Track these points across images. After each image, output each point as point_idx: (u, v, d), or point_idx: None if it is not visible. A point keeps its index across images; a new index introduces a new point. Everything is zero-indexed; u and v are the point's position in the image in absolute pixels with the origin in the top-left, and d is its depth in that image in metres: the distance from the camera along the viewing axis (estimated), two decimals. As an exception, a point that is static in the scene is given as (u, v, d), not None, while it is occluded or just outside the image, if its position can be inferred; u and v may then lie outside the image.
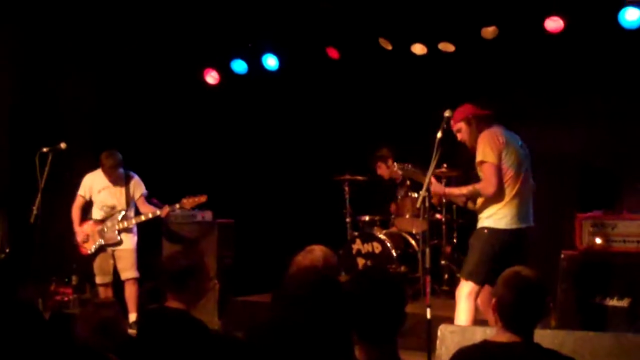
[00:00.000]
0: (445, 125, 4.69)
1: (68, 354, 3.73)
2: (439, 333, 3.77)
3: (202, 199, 6.85)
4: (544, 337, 3.23)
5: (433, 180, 5.32)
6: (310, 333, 2.47)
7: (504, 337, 2.96)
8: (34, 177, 6.28)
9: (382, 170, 7.79)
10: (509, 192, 4.88)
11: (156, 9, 7.99)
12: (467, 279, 4.93)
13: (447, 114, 4.73)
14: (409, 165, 5.54)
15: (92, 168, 7.22)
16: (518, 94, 7.38)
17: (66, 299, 7.74)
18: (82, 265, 7.75)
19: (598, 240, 5.44)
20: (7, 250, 7.40)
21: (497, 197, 4.88)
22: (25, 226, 6.54)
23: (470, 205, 5.26)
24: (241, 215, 7.95)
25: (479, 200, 5.04)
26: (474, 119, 4.97)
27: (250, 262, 7.85)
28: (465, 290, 4.90)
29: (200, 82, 8.80)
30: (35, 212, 6.13)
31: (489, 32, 7.13)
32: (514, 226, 4.88)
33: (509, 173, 4.88)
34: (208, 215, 7.60)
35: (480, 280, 4.90)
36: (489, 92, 7.25)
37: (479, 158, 4.89)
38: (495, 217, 4.90)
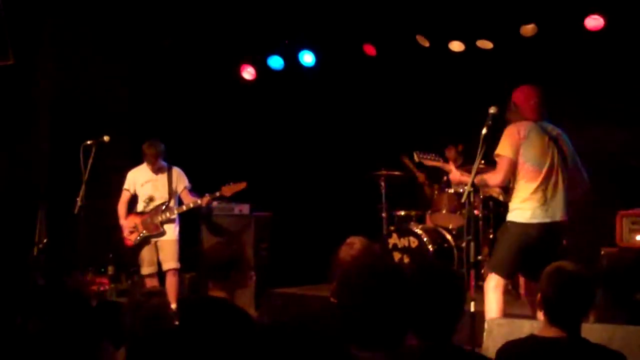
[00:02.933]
0: (490, 122, 4.70)
1: (115, 340, 3.81)
2: (486, 326, 3.78)
3: (242, 185, 6.93)
4: (591, 331, 3.23)
5: (451, 166, 5.37)
6: (369, 322, 2.51)
7: (550, 331, 2.97)
8: (74, 171, 6.40)
9: (451, 153, 7.74)
10: (530, 187, 4.88)
11: (194, 5, 8.08)
12: (492, 271, 4.96)
13: (492, 110, 4.74)
14: (429, 155, 5.57)
15: (131, 162, 7.34)
16: (557, 92, 7.32)
17: (102, 288, 7.83)
18: (119, 256, 7.89)
19: (638, 238, 5.42)
20: (45, 241, 7.53)
21: (518, 191, 4.91)
22: (64, 217, 6.68)
23: (503, 197, 5.28)
24: (278, 209, 8.03)
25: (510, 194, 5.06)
26: (514, 106, 4.98)
27: (286, 254, 7.93)
28: (491, 283, 4.92)
29: (237, 78, 8.88)
30: (79, 203, 6.24)
31: (528, 29, 7.11)
32: (536, 220, 4.87)
33: (526, 167, 4.87)
34: (245, 208, 7.71)
35: (506, 273, 4.92)
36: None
37: (496, 151, 4.93)
38: (518, 211, 4.92)
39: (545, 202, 4.89)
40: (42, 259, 7.38)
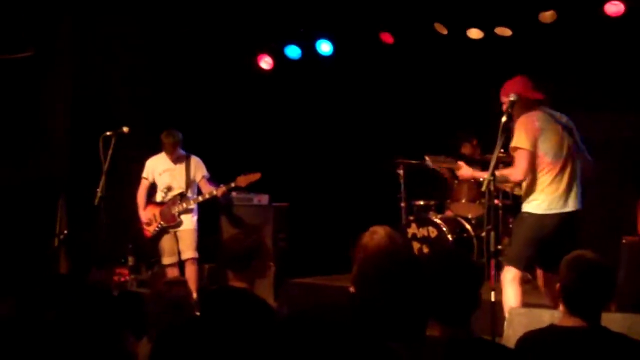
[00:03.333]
0: (510, 109, 4.67)
1: (137, 330, 3.84)
2: (506, 315, 3.79)
3: (257, 176, 6.96)
4: (612, 320, 3.22)
5: (461, 163, 5.34)
6: (389, 312, 2.52)
7: (570, 321, 2.97)
8: (93, 162, 6.44)
9: (467, 149, 7.72)
10: (547, 178, 4.86)
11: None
12: (509, 263, 4.95)
13: (512, 97, 4.71)
14: (440, 157, 5.55)
15: (150, 152, 7.38)
16: (577, 78, 7.28)
17: (123, 279, 7.88)
18: (138, 247, 7.94)
19: (659, 226, 5.39)
20: (65, 232, 7.60)
21: (534, 183, 4.88)
22: (85, 209, 6.73)
23: (517, 191, 5.25)
24: (296, 199, 8.04)
25: (523, 186, 5.02)
26: (520, 100, 4.86)
27: (304, 244, 7.95)
28: (509, 275, 4.91)
29: (255, 68, 8.88)
30: (99, 194, 6.28)
31: (547, 16, 7.04)
32: (554, 211, 4.86)
33: (545, 159, 4.85)
34: (264, 199, 7.74)
35: (522, 265, 4.92)
36: (546, 77, 7.15)
37: (513, 143, 4.88)
38: (535, 202, 4.90)
39: (562, 193, 4.87)
40: (63, 249, 7.46)
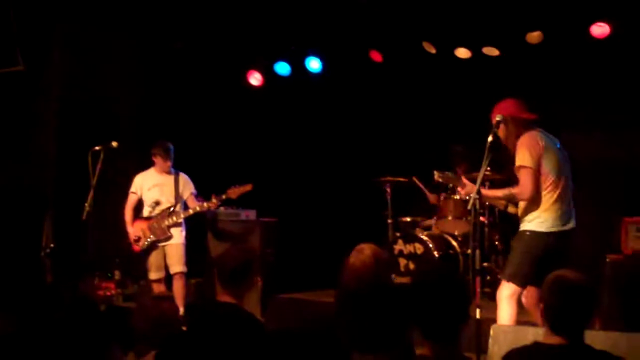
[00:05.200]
0: (496, 129, 4.72)
1: (124, 344, 3.85)
2: (491, 332, 3.81)
3: (248, 187, 6.98)
4: (595, 338, 3.25)
5: (466, 181, 5.36)
6: (368, 330, 2.57)
7: (553, 339, 2.98)
8: (80, 177, 6.44)
9: (462, 169, 7.74)
10: (551, 197, 4.89)
11: (201, 11, 8.12)
12: (508, 280, 4.95)
13: (498, 117, 4.76)
14: (448, 173, 5.59)
15: (138, 167, 7.38)
16: (563, 98, 7.37)
17: (109, 293, 7.86)
18: (125, 261, 7.92)
19: (644, 245, 5.44)
20: (52, 246, 7.58)
21: (537, 201, 4.89)
22: (72, 223, 6.72)
23: (511, 209, 5.28)
24: (284, 214, 8.06)
25: (521, 204, 5.05)
26: (512, 121, 4.91)
27: (292, 260, 7.96)
28: (506, 291, 4.92)
29: (244, 84, 8.93)
30: (87, 209, 6.28)
31: (534, 37, 7.13)
32: (555, 229, 4.89)
33: (549, 178, 4.88)
34: (252, 214, 7.76)
35: (522, 282, 4.93)
36: (533, 96, 7.23)
37: (518, 162, 4.89)
38: (538, 221, 4.91)
39: (564, 211, 4.92)
40: (48, 263, 7.43)
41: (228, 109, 8.93)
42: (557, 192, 4.90)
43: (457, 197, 7.28)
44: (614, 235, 5.61)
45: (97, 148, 6.44)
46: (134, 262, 7.55)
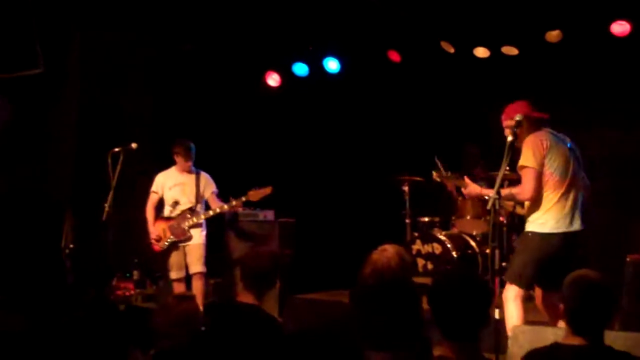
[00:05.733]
0: (516, 129, 4.71)
1: (143, 345, 3.87)
2: (510, 333, 3.80)
3: (267, 190, 6.97)
4: (616, 339, 3.24)
5: (468, 181, 5.35)
6: (384, 328, 2.58)
7: (574, 339, 2.98)
8: (98, 178, 6.49)
9: (478, 172, 7.74)
10: (554, 197, 4.87)
11: (219, 12, 8.15)
12: (511, 282, 4.94)
13: (517, 117, 4.74)
14: (448, 173, 5.58)
15: (156, 168, 7.42)
16: (583, 97, 7.32)
17: (128, 293, 7.90)
18: (144, 261, 7.96)
19: (664, 245, 5.40)
20: (72, 246, 7.63)
21: (541, 201, 4.87)
22: (92, 224, 6.77)
23: (519, 209, 5.26)
24: (302, 215, 8.08)
25: (526, 205, 5.03)
26: (526, 121, 4.88)
27: (310, 260, 7.97)
28: (511, 293, 4.91)
29: (262, 85, 8.95)
30: (107, 209, 6.32)
31: (554, 35, 7.10)
32: (559, 230, 4.86)
33: (553, 178, 4.86)
34: (270, 214, 7.79)
35: (525, 283, 4.92)
36: (553, 95, 7.21)
37: (521, 162, 4.88)
38: (540, 221, 4.90)
39: (568, 212, 4.88)
40: (69, 263, 7.49)
41: (246, 110, 8.95)
42: (561, 192, 4.87)
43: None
44: (634, 235, 5.56)
45: (116, 150, 6.48)
46: (153, 262, 7.59)
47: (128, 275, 8.12)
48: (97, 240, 6.76)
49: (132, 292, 7.95)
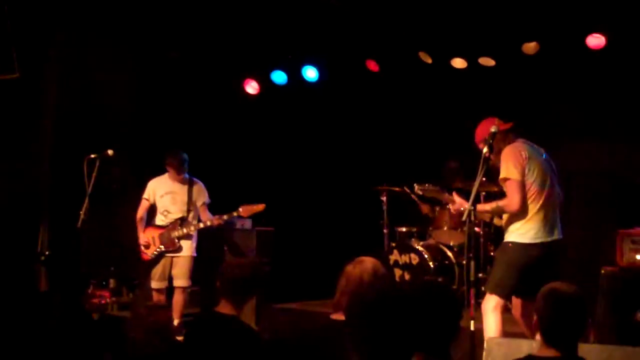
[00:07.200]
0: (491, 141, 4.73)
1: (117, 354, 3.84)
2: (485, 345, 3.80)
3: (260, 207, 6.91)
4: (590, 351, 3.25)
5: (456, 197, 5.36)
6: (372, 342, 2.57)
7: (548, 352, 2.99)
8: (74, 185, 6.41)
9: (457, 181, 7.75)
10: (534, 207, 4.89)
11: (197, 19, 8.13)
12: (491, 292, 4.95)
13: (493, 129, 4.76)
14: (429, 185, 5.59)
15: (134, 175, 7.36)
16: (558, 109, 7.38)
17: (104, 301, 7.80)
18: (120, 269, 7.89)
19: (639, 257, 5.43)
20: (47, 253, 7.55)
21: (521, 212, 4.90)
22: (67, 230, 6.69)
23: (496, 221, 5.28)
24: (280, 224, 8.05)
25: (505, 216, 5.06)
26: (500, 133, 4.92)
27: (287, 269, 7.94)
28: (490, 303, 4.92)
29: (241, 92, 8.93)
30: (82, 216, 6.25)
31: (530, 47, 7.16)
32: (538, 240, 4.89)
33: (533, 188, 4.89)
34: (248, 223, 7.76)
35: (505, 293, 4.93)
36: (529, 107, 7.28)
37: (502, 175, 4.90)
38: (520, 232, 4.92)
39: (547, 222, 4.92)
40: (43, 270, 7.41)
41: (224, 118, 8.92)
42: (540, 202, 4.91)
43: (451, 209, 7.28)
44: (609, 247, 5.60)
45: (92, 156, 6.41)
46: (131, 269, 7.51)
47: (104, 283, 8.03)
48: (73, 248, 6.70)
49: (108, 300, 7.84)
